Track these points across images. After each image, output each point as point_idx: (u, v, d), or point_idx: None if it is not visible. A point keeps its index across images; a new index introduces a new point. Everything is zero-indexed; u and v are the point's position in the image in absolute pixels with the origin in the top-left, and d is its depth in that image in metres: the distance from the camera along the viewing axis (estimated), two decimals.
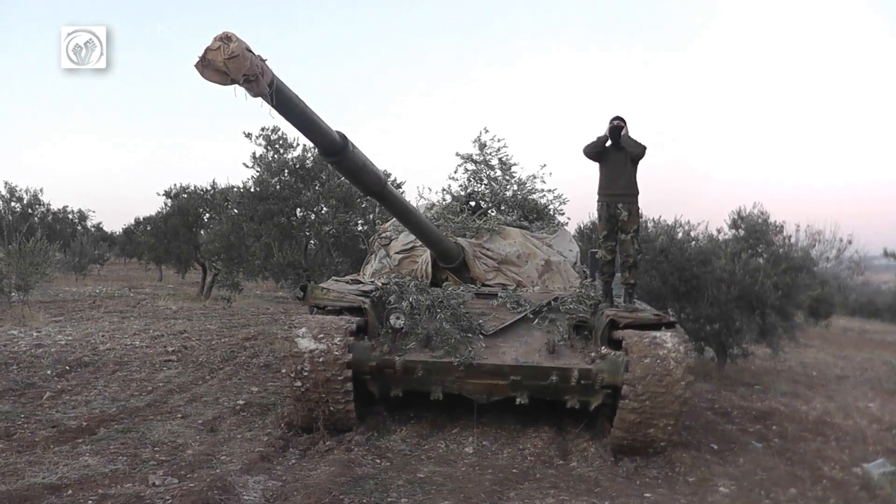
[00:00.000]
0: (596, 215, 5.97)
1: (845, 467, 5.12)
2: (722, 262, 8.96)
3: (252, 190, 11.74)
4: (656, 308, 5.99)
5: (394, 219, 6.86)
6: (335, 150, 4.63)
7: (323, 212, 11.48)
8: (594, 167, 5.68)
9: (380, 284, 5.97)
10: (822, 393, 8.43)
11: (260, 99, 3.73)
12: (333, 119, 4.63)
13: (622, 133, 5.45)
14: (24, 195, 23.98)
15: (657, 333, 4.95)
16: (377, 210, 11.52)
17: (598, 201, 5.65)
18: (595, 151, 5.56)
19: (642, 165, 5.56)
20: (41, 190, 24.33)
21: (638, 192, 5.57)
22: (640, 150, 5.44)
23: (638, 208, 5.59)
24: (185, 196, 17.61)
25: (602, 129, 5.55)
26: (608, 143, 5.52)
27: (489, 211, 7.80)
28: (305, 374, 4.85)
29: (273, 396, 6.41)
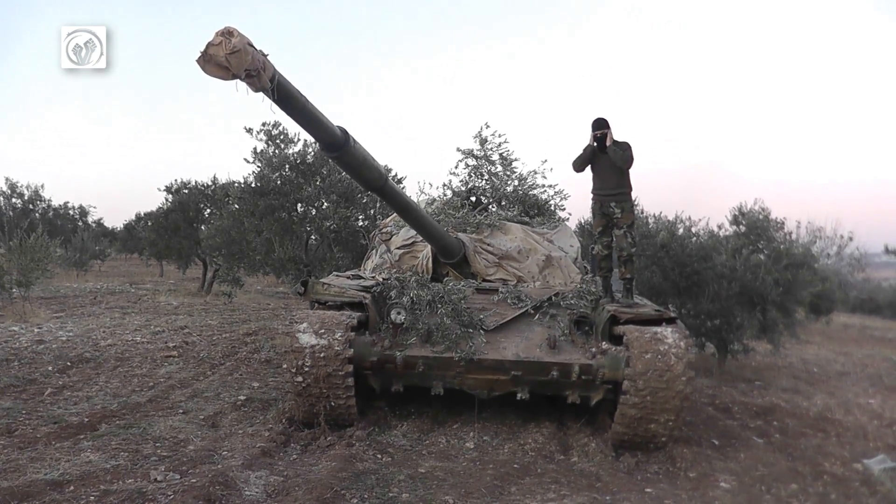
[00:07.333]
0: None
1: (846, 463, 5.13)
2: (723, 258, 8.95)
3: (253, 185, 11.72)
4: (657, 303, 5.99)
5: (394, 214, 6.85)
6: (336, 145, 4.62)
7: (324, 207, 11.46)
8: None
9: (381, 280, 5.97)
10: (823, 389, 8.44)
11: (261, 94, 3.73)
12: (334, 115, 4.62)
13: (607, 139, 5.43)
14: (25, 191, 24.08)
15: (658, 329, 4.95)
16: (378, 205, 11.51)
17: (592, 199, 5.67)
18: (586, 164, 5.57)
19: (638, 163, 5.54)
20: (42, 186, 24.47)
21: (631, 189, 5.56)
22: (626, 160, 5.40)
23: (631, 205, 5.61)
24: (186, 191, 17.58)
25: (586, 135, 5.54)
26: (595, 145, 5.52)
27: (490, 206, 7.80)
28: (306, 369, 4.85)
29: (274, 392, 6.42)
